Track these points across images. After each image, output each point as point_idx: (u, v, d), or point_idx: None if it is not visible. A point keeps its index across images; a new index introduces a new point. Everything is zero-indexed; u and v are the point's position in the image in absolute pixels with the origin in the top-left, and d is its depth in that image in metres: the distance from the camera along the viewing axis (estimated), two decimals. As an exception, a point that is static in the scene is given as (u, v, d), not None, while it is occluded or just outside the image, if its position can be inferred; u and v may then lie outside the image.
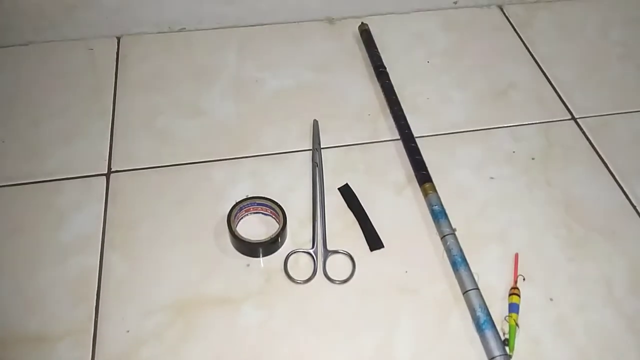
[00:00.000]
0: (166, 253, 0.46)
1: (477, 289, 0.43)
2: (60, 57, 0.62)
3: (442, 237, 0.47)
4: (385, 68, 0.61)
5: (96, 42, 0.64)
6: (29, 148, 0.54)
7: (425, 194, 0.50)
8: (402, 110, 0.57)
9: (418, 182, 0.51)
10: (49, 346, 0.41)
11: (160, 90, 0.59)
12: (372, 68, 0.62)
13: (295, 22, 0.68)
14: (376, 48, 0.63)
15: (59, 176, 0.51)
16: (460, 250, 0.46)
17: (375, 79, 0.61)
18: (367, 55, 0.64)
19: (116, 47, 0.64)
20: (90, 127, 0.56)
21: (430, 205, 0.49)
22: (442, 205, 0.49)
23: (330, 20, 0.68)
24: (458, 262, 0.45)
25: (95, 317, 0.43)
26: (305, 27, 0.67)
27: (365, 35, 0.65)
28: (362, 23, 0.66)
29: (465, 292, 0.44)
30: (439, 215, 0.48)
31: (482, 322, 0.41)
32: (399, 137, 0.56)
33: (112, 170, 0.52)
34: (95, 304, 0.43)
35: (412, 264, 0.47)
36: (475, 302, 0.43)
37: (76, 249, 0.46)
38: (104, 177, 0.51)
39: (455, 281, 0.45)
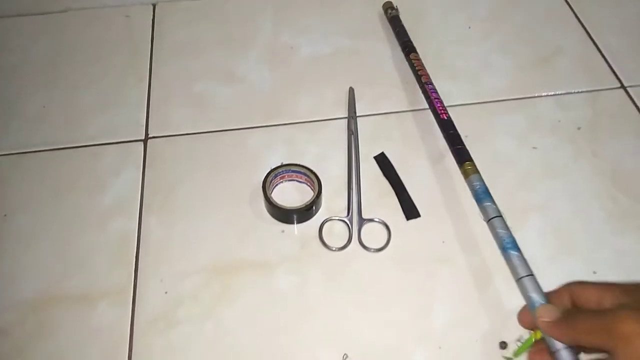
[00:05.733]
0: (203, 217, 0.47)
1: (532, 274, 0.39)
2: (98, 23, 0.63)
3: (488, 221, 0.43)
4: (414, 49, 0.57)
5: (132, 8, 0.64)
6: (69, 114, 0.55)
7: (466, 176, 0.45)
8: (436, 93, 0.52)
9: (457, 162, 0.47)
10: (91, 305, 0.42)
11: (196, 57, 0.59)
12: (410, 33, 0.60)
13: (331, -13, 0.66)
14: (404, 30, 0.59)
15: (98, 141, 0.52)
16: (511, 234, 0.41)
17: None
18: (403, 20, 0.61)
19: (152, 13, 0.64)
20: (128, 93, 0.56)
21: (472, 187, 0.45)
22: (485, 185, 0.44)
23: (367, -15, 0.66)
24: (508, 246, 0.40)
25: (135, 278, 0.44)
26: (341, -7, 0.66)
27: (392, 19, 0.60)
28: (386, 1, 0.62)
29: (519, 279, 0.39)
30: (482, 197, 0.43)
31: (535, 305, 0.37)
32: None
33: (150, 136, 0.53)
34: (134, 266, 0.44)
35: (449, 234, 0.46)
36: (530, 286, 0.38)
37: (116, 212, 0.47)
38: (142, 143, 0.52)
39: (494, 252, 0.44)
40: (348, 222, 0.46)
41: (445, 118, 0.50)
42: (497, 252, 0.44)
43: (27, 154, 0.51)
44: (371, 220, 0.46)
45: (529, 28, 0.62)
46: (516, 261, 0.39)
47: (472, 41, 0.60)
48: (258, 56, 0.59)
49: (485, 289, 0.43)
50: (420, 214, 0.47)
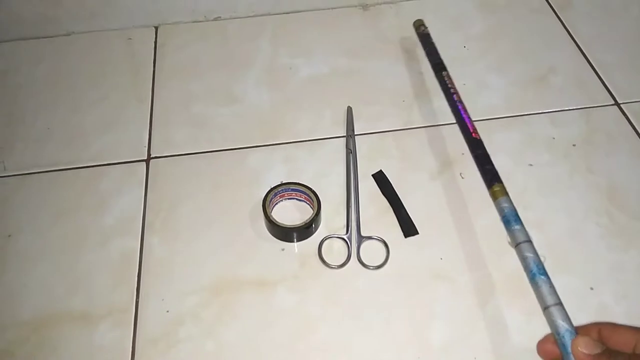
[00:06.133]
0: (204, 236, 0.47)
1: (561, 303, 0.37)
2: (101, 46, 0.64)
3: (516, 246, 0.40)
4: (444, 68, 0.56)
5: (135, 31, 0.65)
6: (73, 135, 0.56)
7: (495, 198, 0.44)
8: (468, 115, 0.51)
9: (485, 183, 0.45)
10: (93, 325, 0.43)
11: (197, 78, 0.60)
12: (406, 53, 0.61)
13: (328, 8, 0.67)
14: (435, 48, 0.58)
15: (101, 162, 0.53)
16: (539, 260, 0.39)
17: (409, 64, 0.60)
18: (400, 39, 0.63)
19: (154, 36, 0.65)
20: (130, 114, 0.57)
21: (500, 210, 0.43)
22: (514, 209, 0.42)
23: (364, 6, 0.68)
24: (538, 272, 0.38)
25: (136, 297, 0.44)
26: (338, 13, 0.67)
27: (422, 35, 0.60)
28: (417, 19, 0.62)
29: (547, 307, 0.37)
30: (511, 220, 0.41)
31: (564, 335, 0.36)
32: (433, 124, 0.55)
33: (152, 156, 0.53)
34: (136, 285, 0.45)
35: (447, 251, 0.46)
36: (560, 315, 0.36)
37: (118, 231, 0.48)
38: (144, 163, 0.53)
39: (493, 269, 0.45)
40: (347, 239, 0.47)
41: (477, 138, 0.48)
42: (496, 268, 0.45)
43: (31, 175, 0.52)
44: (370, 237, 0.47)
45: (524, 47, 0.63)
46: (545, 288, 0.37)
47: (468, 60, 0.62)
48: (257, 77, 0.60)
49: (484, 305, 0.43)
50: (419, 231, 0.47)
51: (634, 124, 0.55)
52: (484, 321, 0.43)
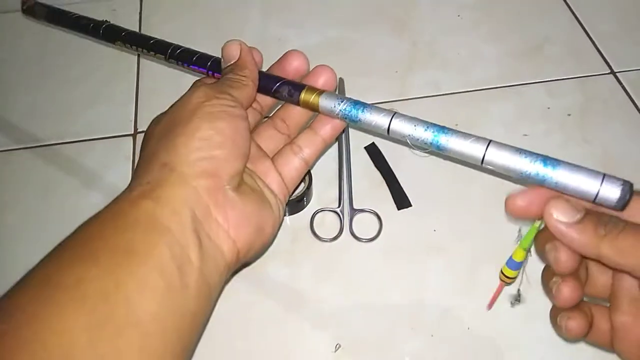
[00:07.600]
0: (193, 211, 0.47)
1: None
2: (84, 18, 0.62)
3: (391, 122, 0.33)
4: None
5: (119, 2, 0.64)
6: (58, 110, 0.54)
7: (315, 104, 0.34)
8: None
9: (287, 96, 0.37)
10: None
11: (184, 51, 0.59)
12: (399, 24, 0.60)
13: (319, -23, 0.66)
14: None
15: (87, 137, 0.52)
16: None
17: (402, 35, 0.59)
18: (392, 10, 0.61)
19: (139, 7, 0.63)
20: (116, 88, 0.56)
21: (339, 112, 0.34)
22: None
23: (356, -25, 0.66)
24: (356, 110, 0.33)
25: (126, 273, 0.43)
26: (330, -17, 0.65)
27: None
28: None
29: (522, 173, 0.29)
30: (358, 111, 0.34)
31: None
32: (426, 95, 0.54)
33: (139, 130, 0.52)
34: (125, 261, 0.44)
35: (440, 223, 0.46)
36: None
37: (105, 207, 0.47)
38: (131, 137, 0.52)
39: (487, 240, 0.44)
40: (339, 213, 0.46)
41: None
42: (490, 239, 0.44)
43: (15, 151, 0.51)
44: (362, 210, 0.46)
45: (519, 15, 0.62)
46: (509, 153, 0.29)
47: (462, 30, 0.60)
48: (247, 48, 0.59)
49: (477, 277, 0.43)
50: (412, 203, 0.47)
51: (630, 92, 0.54)
52: (478, 292, 0.42)
